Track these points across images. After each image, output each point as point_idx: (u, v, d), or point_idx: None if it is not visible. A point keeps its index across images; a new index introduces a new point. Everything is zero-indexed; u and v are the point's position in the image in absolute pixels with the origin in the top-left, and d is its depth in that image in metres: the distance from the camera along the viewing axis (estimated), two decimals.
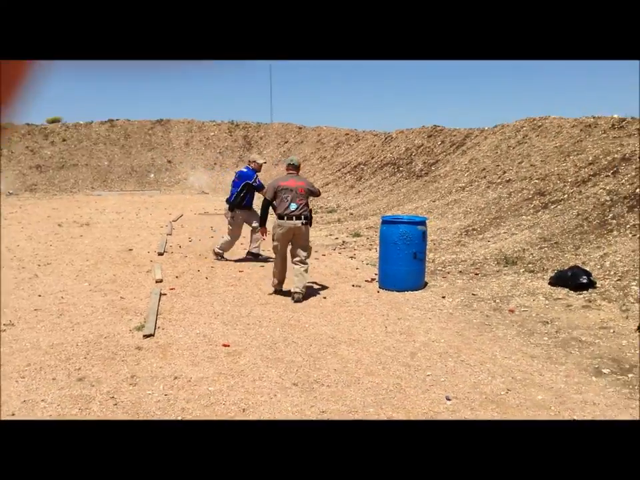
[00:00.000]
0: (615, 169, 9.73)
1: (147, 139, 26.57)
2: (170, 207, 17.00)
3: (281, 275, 6.54)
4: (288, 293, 6.41)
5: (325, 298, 6.40)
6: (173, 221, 13.55)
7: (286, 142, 26.64)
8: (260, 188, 8.21)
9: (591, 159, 10.68)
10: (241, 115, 60.15)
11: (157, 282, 6.97)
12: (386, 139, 20.98)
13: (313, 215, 6.65)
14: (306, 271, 6.36)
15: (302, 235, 6.34)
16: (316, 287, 6.89)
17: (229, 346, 4.73)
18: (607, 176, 9.66)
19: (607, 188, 9.17)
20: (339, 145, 23.77)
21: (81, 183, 23.24)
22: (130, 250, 9.38)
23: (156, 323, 5.31)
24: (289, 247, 6.49)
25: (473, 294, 6.54)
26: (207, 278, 7.34)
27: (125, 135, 26.50)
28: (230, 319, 5.55)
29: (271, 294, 6.56)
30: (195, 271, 7.78)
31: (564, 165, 11.09)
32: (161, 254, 8.95)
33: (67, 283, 6.98)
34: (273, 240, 6.43)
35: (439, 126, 18.79)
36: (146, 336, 4.92)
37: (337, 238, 10.76)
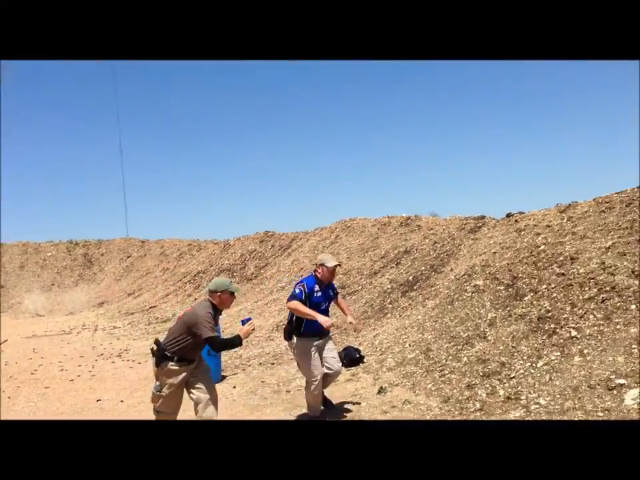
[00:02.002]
0: (399, 260, 11.38)
1: None
2: None
3: None
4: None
5: (122, 402, 6.83)
6: None
7: (129, 256, 26.77)
8: (297, 297, 5.37)
9: (383, 253, 12.35)
10: (81, 232, 57.69)
11: None
12: (225, 246, 22.00)
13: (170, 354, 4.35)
14: None
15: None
16: (123, 389, 7.29)
17: None
18: (392, 267, 11.25)
19: (390, 277, 10.69)
20: (182, 256, 24.39)
21: None
22: None
23: None
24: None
25: (262, 381, 7.33)
26: (9, 397, 7.44)
27: None
28: None
29: None
30: None
31: (363, 260, 12.66)
32: None
33: None
34: None
35: (270, 231, 20.23)
36: None
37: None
